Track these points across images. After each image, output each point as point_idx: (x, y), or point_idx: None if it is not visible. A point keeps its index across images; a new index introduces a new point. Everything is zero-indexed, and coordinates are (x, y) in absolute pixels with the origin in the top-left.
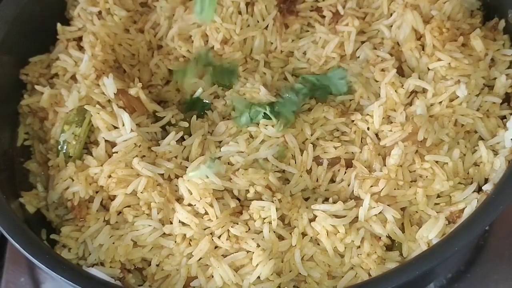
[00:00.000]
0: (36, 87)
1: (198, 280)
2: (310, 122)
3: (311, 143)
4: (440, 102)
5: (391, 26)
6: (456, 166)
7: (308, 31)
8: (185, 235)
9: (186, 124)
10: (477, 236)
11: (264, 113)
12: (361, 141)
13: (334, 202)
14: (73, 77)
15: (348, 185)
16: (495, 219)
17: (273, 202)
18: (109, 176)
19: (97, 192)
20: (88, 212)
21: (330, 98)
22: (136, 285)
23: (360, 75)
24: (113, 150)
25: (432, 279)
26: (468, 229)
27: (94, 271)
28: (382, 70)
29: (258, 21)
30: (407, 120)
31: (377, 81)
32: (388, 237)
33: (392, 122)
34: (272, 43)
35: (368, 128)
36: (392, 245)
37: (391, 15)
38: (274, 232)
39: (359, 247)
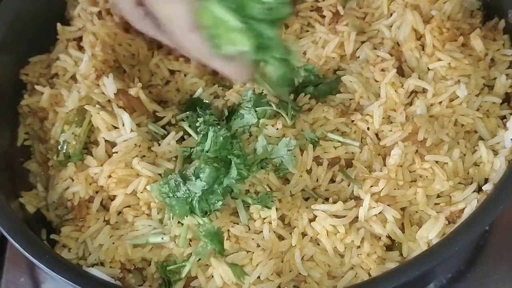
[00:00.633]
0: (36, 87)
1: (198, 280)
2: (310, 122)
3: (311, 143)
4: (440, 102)
5: (391, 26)
6: (456, 166)
7: (308, 31)
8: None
9: (186, 124)
10: (477, 236)
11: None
12: (361, 141)
13: (334, 202)
14: (73, 77)
15: (348, 185)
16: (495, 219)
17: (273, 202)
18: (109, 176)
19: (97, 192)
20: (88, 212)
21: (330, 98)
22: (136, 285)
23: (360, 75)
24: (113, 150)
25: (432, 279)
26: (468, 229)
27: (94, 271)
28: (382, 70)
29: None
30: (407, 120)
31: (377, 81)
32: (388, 237)
33: (392, 122)
34: None
35: (368, 128)
36: (392, 245)
37: (391, 15)
38: (274, 232)
39: (359, 247)
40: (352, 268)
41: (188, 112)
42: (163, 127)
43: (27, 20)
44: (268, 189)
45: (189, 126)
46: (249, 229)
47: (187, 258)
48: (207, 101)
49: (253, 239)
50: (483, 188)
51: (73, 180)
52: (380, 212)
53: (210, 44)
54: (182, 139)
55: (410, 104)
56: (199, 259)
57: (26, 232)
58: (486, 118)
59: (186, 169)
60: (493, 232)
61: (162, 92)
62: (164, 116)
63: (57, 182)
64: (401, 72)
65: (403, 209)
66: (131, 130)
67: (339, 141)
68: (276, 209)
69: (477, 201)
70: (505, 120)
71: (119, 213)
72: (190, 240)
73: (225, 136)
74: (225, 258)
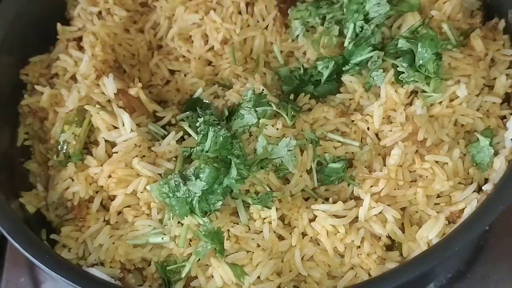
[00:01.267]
0: (36, 87)
1: (198, 280)
2: (310, 122)
3: (311, 143)
4: (440, 102)
5: (391, 26)
6: (456, 166)
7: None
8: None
9: (186, 124)
10: (477, 236)
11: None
12: (361, 141)
13: (334, 202)
14: (73, 77)
15: (348, 185)
16: (495, 219)
17: (273, 202)
18: (109, 176)
19: (97, 192)
20: (88, 212)
21: (330, 98)
22: (136, 285)
23: (360, 75)
24: (113, 150)
25: (432, 279)
26: (468, 229)
27: (94, 271)
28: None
29: (258, 21)
30: (407, 120)
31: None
32: (388, 237)
33: (392, 122)
34: (272, 43)
35: (368, 128)
36: (392, 245)
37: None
38: (274, 232)
39: (359, 247)
40: (352, 268)
41: (188, 112)
42: (163, 127)
43: (27, 20)
44: (268, 189)
45: (189, 126)
46: (249, 229)
47: (187, 258)
48: (207, 101)
49: (253, 239)
50: (483, 188)
51: (73, 180)
52: (380, 212)
53: None
54: (182, 139)
55: (410, 104)
56: (199, 259)
57: (26, 232)
58: (486, 118)
59: (186, 169)
60: (493, 232)
61: (162, 92)
62: (164, 116)
63: (57, 182)
64: None
65: (403, 209)
66: (131, 130)
67: (339, 141)
68: (276, 209)
69: (477, 201)
70: (505, 120)
71: (119, 213)
72: (190, 240)
73: (225, 136)
74: (225, 258)
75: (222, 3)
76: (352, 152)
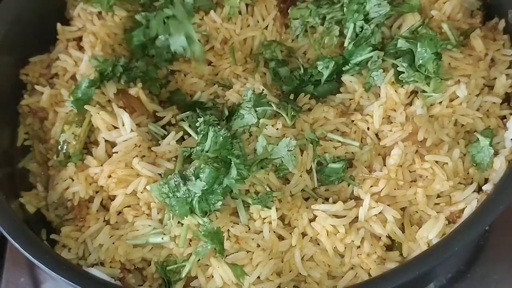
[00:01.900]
0: (36, 87)
1: (198, 280)
2: (310, 122)
3: (311, 143)
4: (440, 102)
5: (391, 26)
6: (456, 166)
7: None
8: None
9: (186, 124)
10: (477, 236)
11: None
12: (361, 141)
13: (334, 202)
14: (73, 77)
15: (348, 185)
16: (495, 219)
17: (273, 202)
18: (109, 176)
19: (97, 192)
20: (88, 212)
21: (330, 98)
22: (136, 285)
23: (360, 75)
24: (113, 150)
25: (432, 279)
26: (468, 229)
27: (94, 271)
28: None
29: (258, 21)
30: (407, 120)
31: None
32: (388, 237)
33: (392, 122)
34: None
35: (368, 128)
36: (392, 245)
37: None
38: (274, 232)
39: (359, 247)
40: (352, 268)
41: (188, 112)
42: (163, 127)
43: (27, 20)
44: (268, 189)
45: (189, 126)
46: (249, 229)
47: (187, 258)
48: (209, 104)
49: (253, 239)
50: (483, 188)
51: (73, 180)
52: (380, 212)
53: None
54: (182, 139)
55: (410, 104)
56: (199, 259)
57: (26, 232)
58: (486, 118)
59: (186, 169)
60: (493, 232)
61: (162, 92)
62: (164, 116)
63: (57, 182)
64: None
65: (403, 209)
66: (131, 130)
67: (339, 141)
68: (276, 209)
69: (477, 201)
70: (505, 120)
71: (119, 213)
72: (190, 240)
73: (225, 136)
74: (225, 258)
75: (222, 3)
76: (352, 152)
